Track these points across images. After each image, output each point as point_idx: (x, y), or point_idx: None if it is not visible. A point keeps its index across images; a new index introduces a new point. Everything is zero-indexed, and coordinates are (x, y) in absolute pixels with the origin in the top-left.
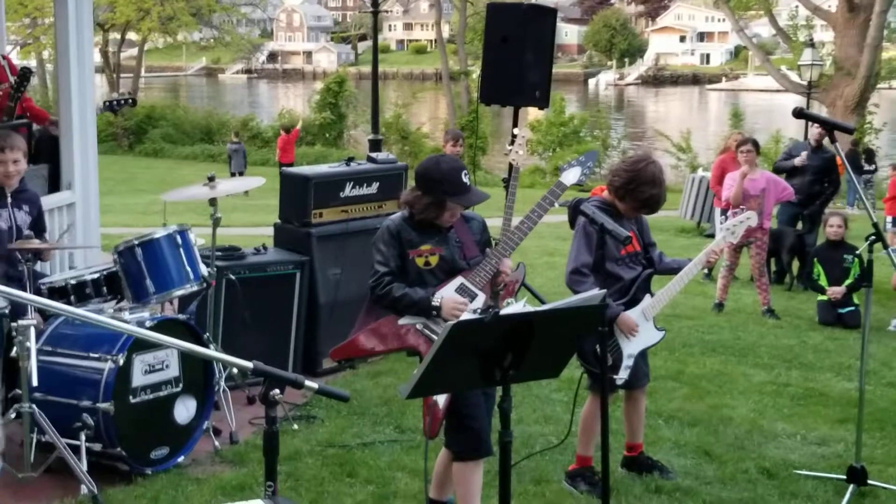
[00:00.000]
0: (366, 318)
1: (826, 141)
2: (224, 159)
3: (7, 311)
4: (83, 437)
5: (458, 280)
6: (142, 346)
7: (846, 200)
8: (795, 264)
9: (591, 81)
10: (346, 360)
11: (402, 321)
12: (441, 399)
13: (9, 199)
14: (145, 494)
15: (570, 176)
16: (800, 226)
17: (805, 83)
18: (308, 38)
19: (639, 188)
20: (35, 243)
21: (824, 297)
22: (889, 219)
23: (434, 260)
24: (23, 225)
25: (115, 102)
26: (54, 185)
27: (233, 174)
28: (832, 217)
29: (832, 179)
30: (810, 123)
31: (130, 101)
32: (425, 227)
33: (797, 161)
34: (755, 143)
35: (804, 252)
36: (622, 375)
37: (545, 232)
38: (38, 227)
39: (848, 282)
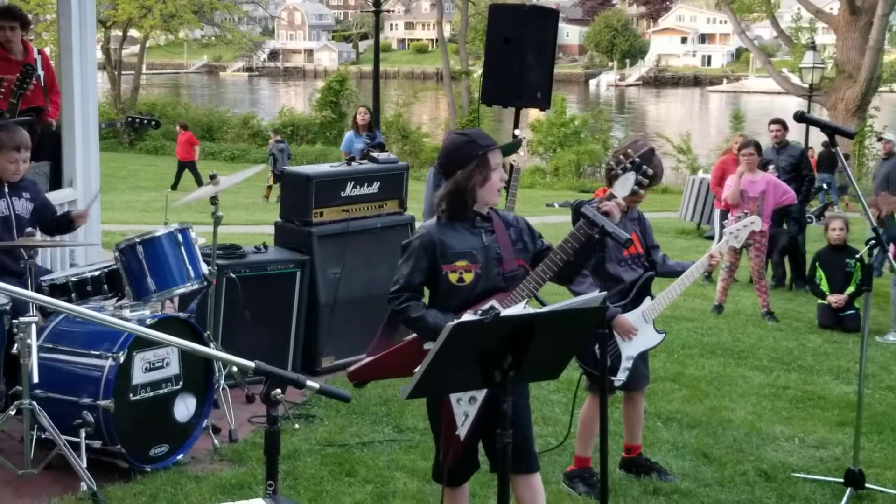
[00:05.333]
0: (385, 334)
1: (790, 138)
2: (226, 157)
3: (8, 307)
4: (83, 434)
5: (490, 304)
6: (142, 343)
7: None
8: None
9: (593, 82)
10: (363, 382)
11: (427, 345)
12: (464, 430)
13: (6, 189)
14: (144, 492)
15: (622, 189)
16: (785, 226)
17: (806, 86)
18: (309, 37)
19: None
20: (36, 240)
21: (824, 301)
22: None
23: (469, 277)
24: (23, 212)
25: (137, 120)
26: (56, 182)
27: (277, 175)
28: (833, 220)
29: (804, 175)
30: (775, 125)
31: (153, 122)
32: (464, 222)
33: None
34: (757, 146)
35: (797, 252)
36: (620, 377)
37: (545, 232)
38: (48, 213)
39: (850, 290)
